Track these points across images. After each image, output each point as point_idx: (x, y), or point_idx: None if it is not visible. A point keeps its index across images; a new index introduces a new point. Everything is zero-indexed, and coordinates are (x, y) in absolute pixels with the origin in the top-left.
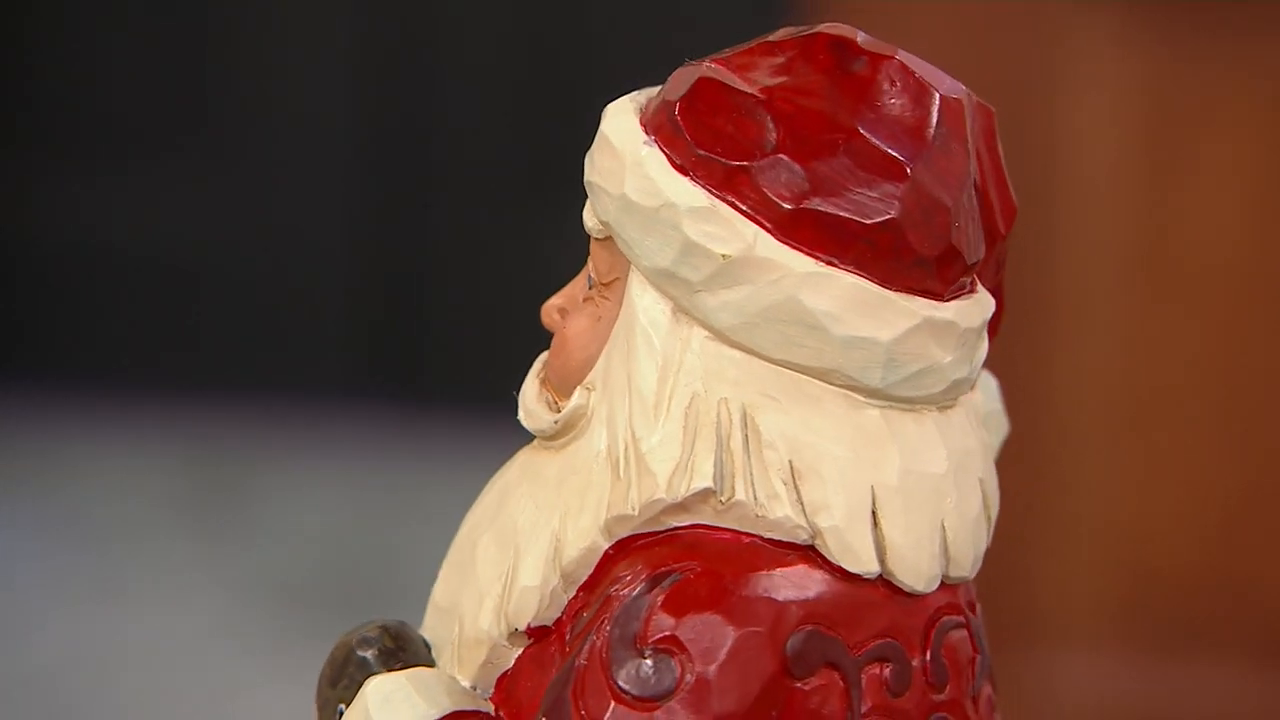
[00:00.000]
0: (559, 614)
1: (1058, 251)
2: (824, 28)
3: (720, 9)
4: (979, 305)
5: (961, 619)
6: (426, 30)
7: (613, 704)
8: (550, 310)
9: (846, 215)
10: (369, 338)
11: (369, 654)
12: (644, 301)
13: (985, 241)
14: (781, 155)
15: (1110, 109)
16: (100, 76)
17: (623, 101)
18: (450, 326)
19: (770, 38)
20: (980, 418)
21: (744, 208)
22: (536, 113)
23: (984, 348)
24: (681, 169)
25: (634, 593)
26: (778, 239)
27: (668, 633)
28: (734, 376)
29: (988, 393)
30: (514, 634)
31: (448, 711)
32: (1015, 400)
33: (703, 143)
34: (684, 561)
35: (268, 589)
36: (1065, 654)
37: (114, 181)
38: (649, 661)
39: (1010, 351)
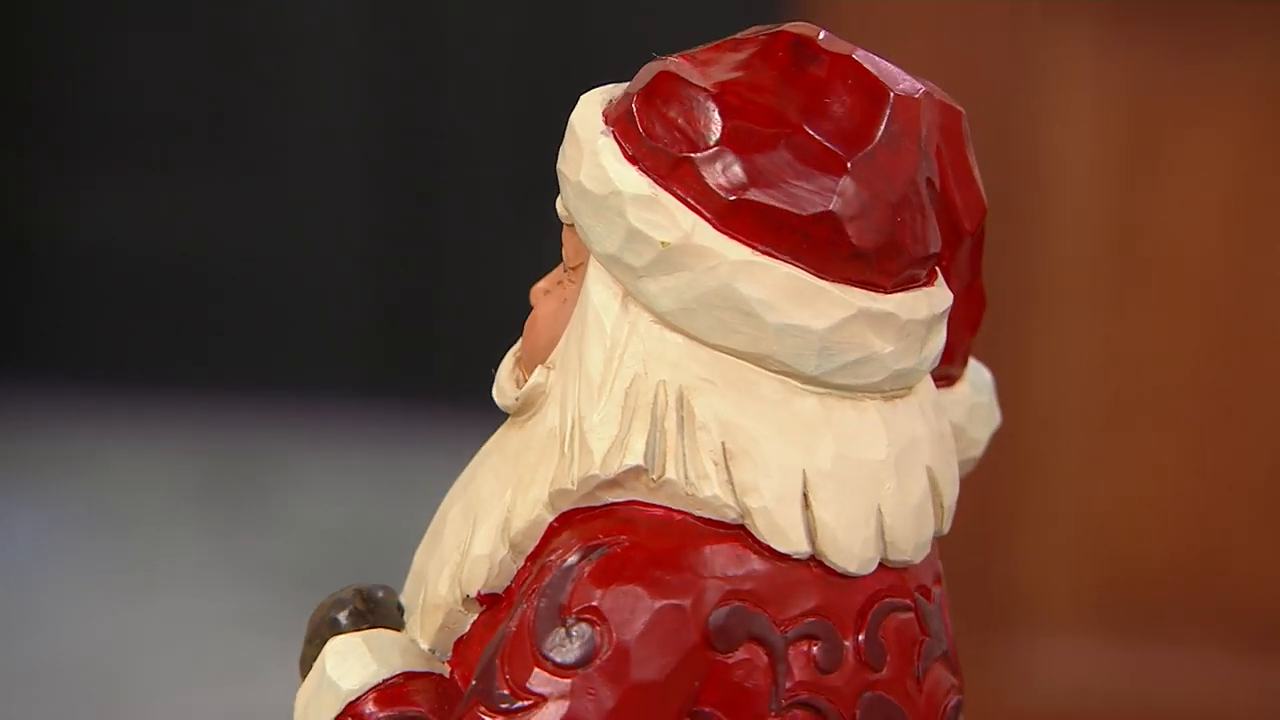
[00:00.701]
0: (509, 583)
1: (1038, 249)
2: (789, 26)
3: (726, 18)
4: (928, 298)
5: (907, 602)
6: (438, 37)
7: (535, 670)
8: (536, 293)
9: (783, 207)
10: (381, 338)
11: (341, 615)
12: (597, 286)
13: (948, 238)
14: (724, 148)
15: (1089, 110)
16: (127, 87)
17: (595, 93)
18: (458, 328)
19: (739, 35)
20: (942, 407)
21: (686, 197)
22: (545, 119)
23: (936, 340)
24: (632, 159)
25: (564, 564)
26: (717, 228)
27: (590, 603)
28: (674, 360)
29: (977, 386)
30: (467, 600)
31: (397, 671)
32: (997, 394)
33: (653, 134)
34: (615, 535)
35: (284, 577)
36: (1045, 639)
37: (138, 188)
38: (570, 630)
39: (992, 347)
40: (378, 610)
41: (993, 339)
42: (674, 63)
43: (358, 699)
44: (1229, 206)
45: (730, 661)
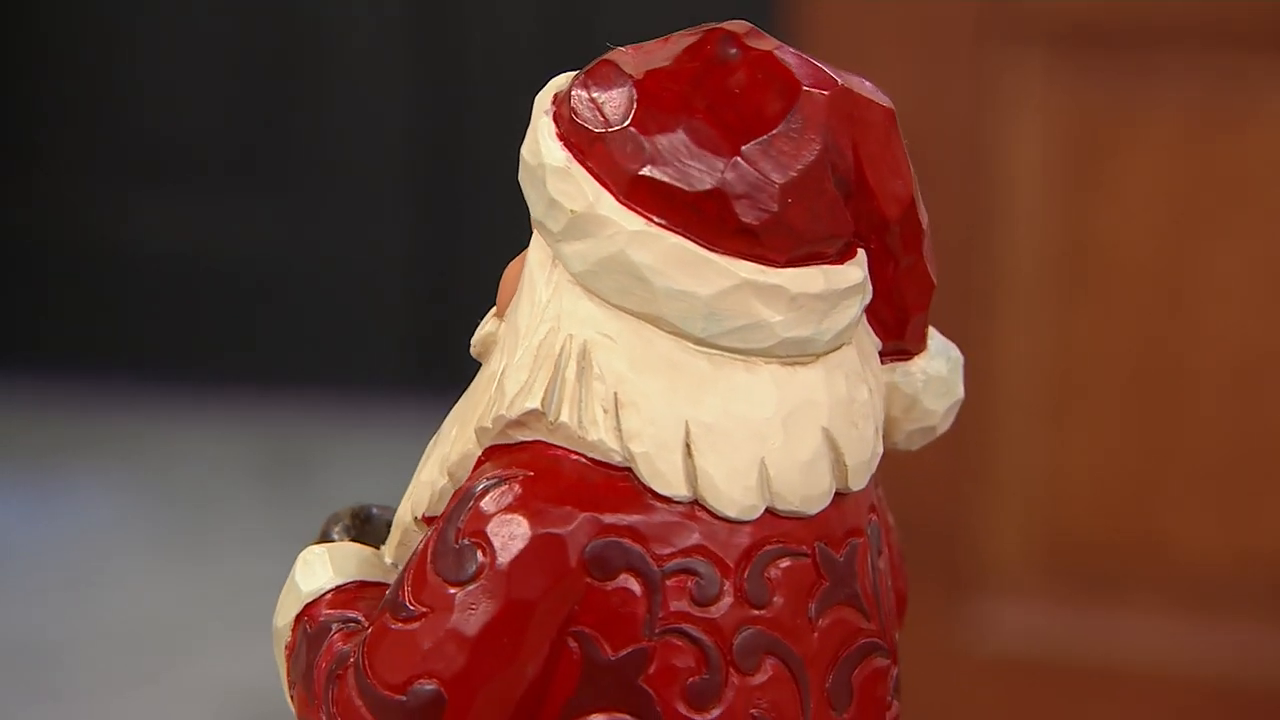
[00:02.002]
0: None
1: (996, 253)
2: (726, 24)
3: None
4: (827, 275)
5: (803, 549)
6: (470, 46)
7: (428, 584)
8: None
9: (675, 184)
10: (417, 336)
11: (335, 529)
12: (535, 248)
13: (870, 223)
14: (632, 128)
15: (1040, 132)
16: (193, 117)
17: (561, 77)
18: None
19: (689, 29)
20: (864, 376)
21: (598, 171)
22: None
23: (841, 315)
24: (561, 135)
25: (468, 493)
26: (619, 200)
27: (480, 528)
28: (582, 317)
29: (938, 362)
30: (416, 521)
31: (351, 579)
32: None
33: (579, 114)
34: (515, 470)
35: None
36: (1003, 597)
37: (202, 202)
38: (461, 551)
39: (959, 335)
40: (366, 527)
41: (960, 328)
42: (618, 52)
43: (315, 600)
44: (1163, 213)
45: (608, 588)
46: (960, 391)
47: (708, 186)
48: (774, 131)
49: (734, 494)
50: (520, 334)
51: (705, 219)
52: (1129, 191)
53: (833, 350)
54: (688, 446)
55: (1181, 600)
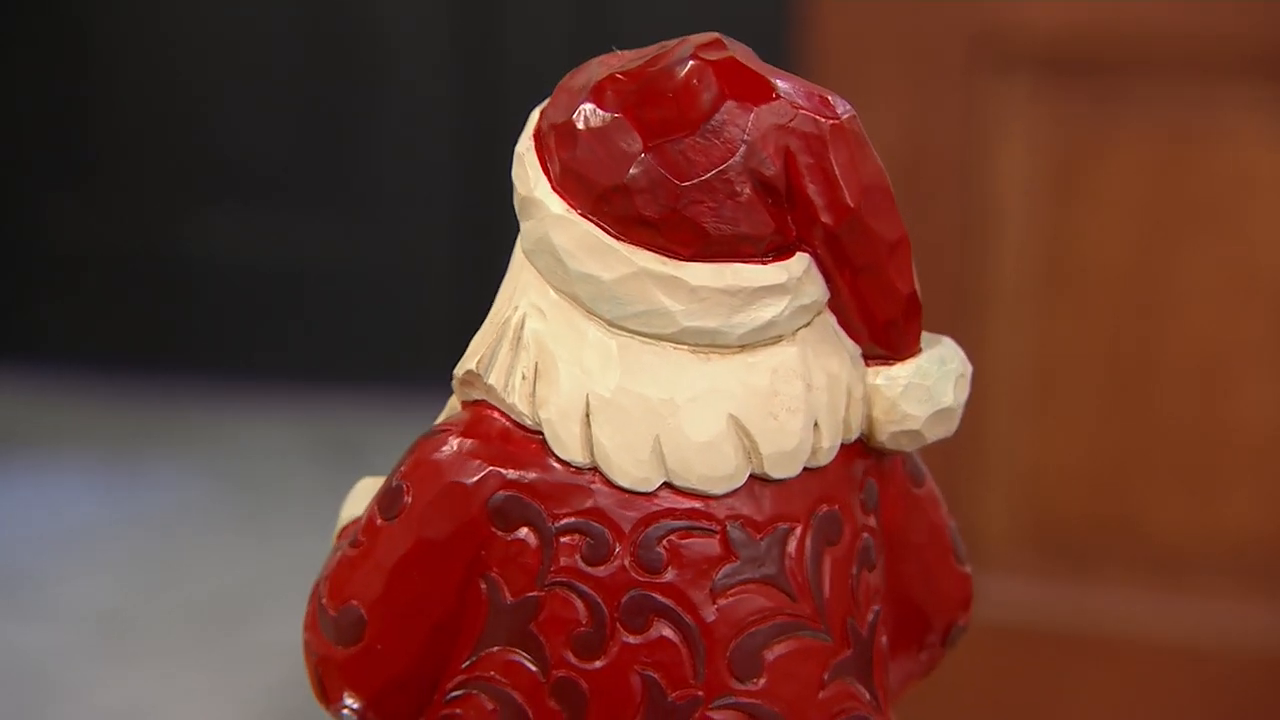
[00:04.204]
0: None
1: (985, 261)
2: (694, 35)
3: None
4: (735, 273)
5: (710, 526)
6: (511, 79)
7: (371, 518)
8: None
9: (589, 175)
10: (459, 334)
11: None
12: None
13: (806, 229)
14: (572, 123)
15: (1024, 151)
16: (257, 139)
17: None
18: None
19: (670, 39)
20: (800, 373)
21: (545, 160)
22: None
23: (756, 312)
24: (536, 127)
25: (417, 440)
26: (553, 187)
27: (410, 471)
28: (529, 291)
29: (925, 368)
30: None
31: None
32: None
33: (548, 110)
34: (453, 423)
35: None
36: (986, 574)
37: (269, 215)
38: (393, 491)
39: (953, 336)
40: None
41: (951, 329)
42: (608, 54)
43: (347, 525)
44: (1136, 225)
45: (508, 538)
46: (948, 401)
47: (615, 181)
48: (691, 135)
49: (625, 465)
50: (496, 305)
51: (613, 209)
52: (1105, 205)
53: (764, 344)
54: (587, 417)
55: (1153, 574)
